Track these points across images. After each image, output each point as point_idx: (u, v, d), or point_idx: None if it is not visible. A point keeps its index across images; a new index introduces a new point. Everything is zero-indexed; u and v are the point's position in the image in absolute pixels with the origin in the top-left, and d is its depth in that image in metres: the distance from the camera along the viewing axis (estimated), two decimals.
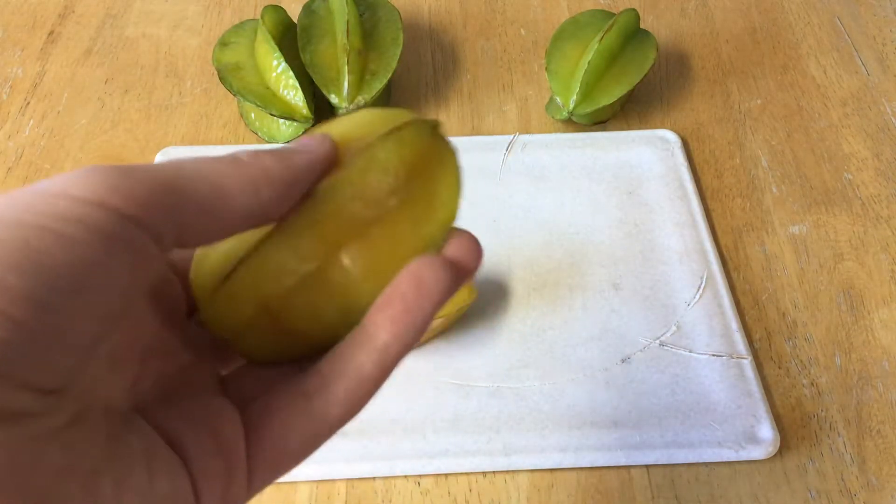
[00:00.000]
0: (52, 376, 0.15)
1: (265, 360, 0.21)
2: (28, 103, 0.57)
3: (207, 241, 0.18)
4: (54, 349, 0.14)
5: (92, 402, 0.16)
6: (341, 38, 0.52)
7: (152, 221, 0.16)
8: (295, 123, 0.52)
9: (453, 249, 0.20)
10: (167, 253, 0.17)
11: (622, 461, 0.40)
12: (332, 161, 0.20)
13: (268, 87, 0.52)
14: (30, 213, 0.15)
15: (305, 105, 0.51)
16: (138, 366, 0.19)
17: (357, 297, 0.20)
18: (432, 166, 0.20)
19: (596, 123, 0.55)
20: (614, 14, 0.55)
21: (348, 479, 0.40)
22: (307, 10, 0.56)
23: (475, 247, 0.20)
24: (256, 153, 0.19)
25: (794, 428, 0.42)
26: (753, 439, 0.40)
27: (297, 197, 0.19)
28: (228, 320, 0.20)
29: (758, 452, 0.40)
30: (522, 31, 0.62)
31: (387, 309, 0.19)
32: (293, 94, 0.51)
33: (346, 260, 0.19)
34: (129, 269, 0.16)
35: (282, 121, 0.52)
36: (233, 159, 0.18)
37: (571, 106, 0.52)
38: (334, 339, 0.20)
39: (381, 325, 0.19)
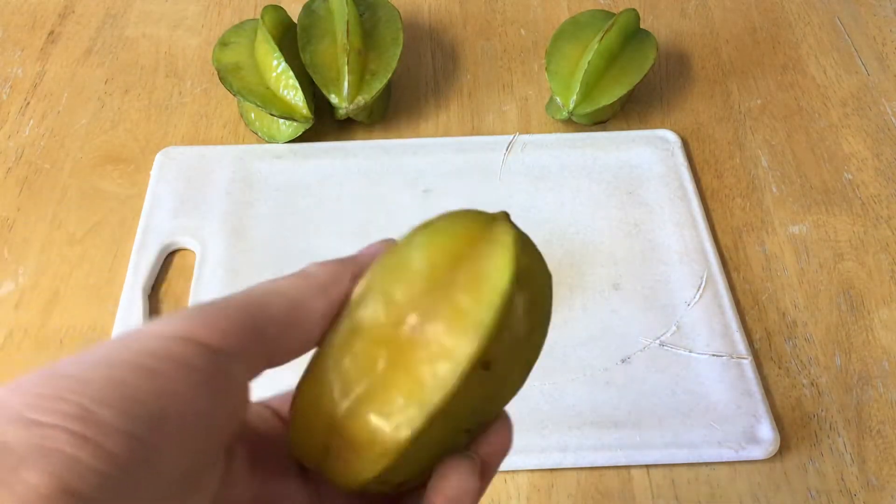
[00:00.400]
0: None
1: (351, 486, 0.20)
2: (28, 103, 0.57)
3: (297, 353, 0.19)
4: (146, 480, 0.15)
5: None
6: (341, 38, 0.52)
7: (239, 346, 0.17)
8: (295, 123, 0.52)
9: (486, 446, 0.21)
10: (258, 373, 0.18)
11: (622, 461, 0.40)
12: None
13: (268, 87, 0.52)
14: (126, 352, 0.16)
15: (305, 105, 0.51)
16: (217, 487, 0.19)
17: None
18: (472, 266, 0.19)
19: (596, 123, 0.55)
20: (614, 14, 0.55)
21: None
22: (307, 10, 0.56)
23: (507, 441, 0.21)
24: (325, 262, 0.21)
25: (794, 428, 0.42)
26: (753, 439, 0.40)
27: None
28: (306, 446, 0.20)
29: (758, 452, 0.40)
30: (522, 31, 0.62)
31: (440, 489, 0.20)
32: (293, 94, 0.51)
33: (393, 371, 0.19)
34: (212, 396, 0.17)
35: (282, 121, 0.52)
36: (301, 273, 0.20)
37: (571, 106, 0.52)
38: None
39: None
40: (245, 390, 0.18)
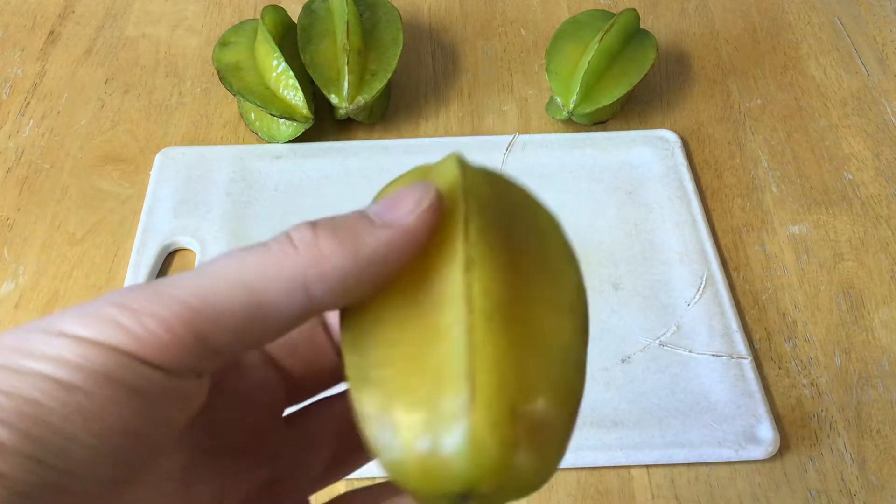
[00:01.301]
0: None
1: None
2: (28, 103, 0.57)
3: (255, 348, 0.16)
4: (56, 501, 0.13)
5: None
6: (341, 38, 0.52)
7: (180, 362, 0.14)
8: (295, 123, 0.52)
9: None
10: (208, 378, 0.15)
11: (622, 461, 0.40)
12: (429, 234, 0.16)
13: (268, 87, 0.52)
14: (31, 359, 0.13)
15: (305, 105, 0.51)
16: (223, 477, 0.17)
17: None
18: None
19: (596, 123, 0.55)
20: (614, 14, 0.55)
21: (347, 480, 0.40)
22: (307, 10, 0.56)
23: None
24: (316, 231, 0.15)
25: (794, 428, 0.42)
26: (753, 439, 0.40)
27: (369, 290, 0.15)
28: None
29: (758, 452, 0.40)
30: (522, 31, 0.62)
31: None
32: (293, 94, 0.51)
33: None
34: (146, 413, 0.14)
35: (282, 121, 0.52)
36: (280, 247, 0.15)
37: (571, 106, 0.52)
38: None
39: None
40: (194, 398, 0.15)
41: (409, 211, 0.15)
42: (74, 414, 0.13)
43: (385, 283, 0.15)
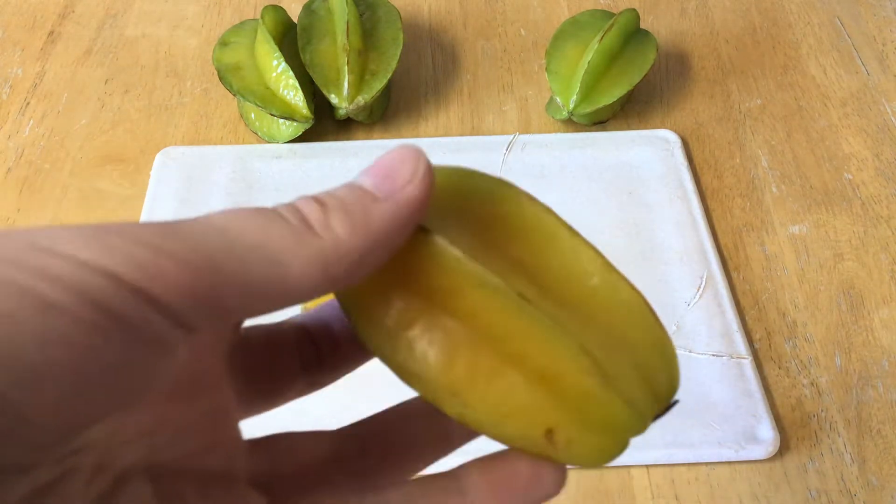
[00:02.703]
0: (10, 462, 0.11)
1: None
2: (28, 103, 0.57)
3: (259, 315, 0.15)
4: (10, 443, 0.11)
5: (81, 465, 0.14)
6: (341, 38, 0.52)
7: (182, 310, 0.13)
8: (295, 123, 0.52)
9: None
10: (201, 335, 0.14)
11: (622, 461, 0.40)
12: (427, 203, 0.15)
13: (268, 87, 0.52)
14: (13, 269, 0.11)
15: (305, 105, 0.51)
16: (161, 406, 0.16)
17: None
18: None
19: (596, 123, 0.55)
20: (614, 14, 0.55)
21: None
22: (307, 10, 0.56)
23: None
24: (326, 212, 0.15)
25: (794, 428, 0.42)
26: (753, 439, 0.40)
27: (378, 264, 0.15)
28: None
29: (758, 452, 0.40)
30: (522, 31, 0.62)
31: (494, 483, 0.17)
32: (293, 94, 0.51)
33: None
34: (129, 360, 0.12)
35: (282, 121, 0.52)
36: (299, 228, 0.14)
37: (571, 106, 0.52)
38: None
39: (479, 488, 0.17)
40: (179, 356, 0.14)
41: (408, 181, 0.15)
42: (54, 341, 0.11)
43: (393, 253, 0.16)
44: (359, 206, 0.15)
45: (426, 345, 0.16)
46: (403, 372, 0.17)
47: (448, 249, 0.16)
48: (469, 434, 0.20)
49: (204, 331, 0.14)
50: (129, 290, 0.12)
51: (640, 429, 0.18)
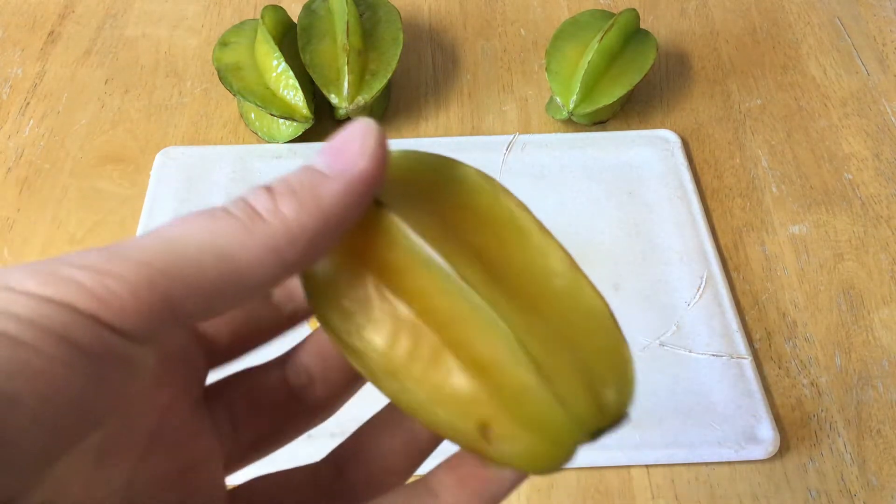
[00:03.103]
0: None
1: None
2: (28, 103, 0.57)
3: (222, 313, 0.15)
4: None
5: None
6: (341, 38, 0.52)
7: (138, 323, 0.13)
8: (295, 123, 0.52)
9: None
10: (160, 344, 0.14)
11: (622, 461, 0.40)
12: (381, 177, 0.15)
13: (268, 87, 0.52)
14: None
15: (305, 105, 0.51)
16: (136, 460, 0.16)
17: None
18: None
19: (596, 123, 0.55)
20: (614, 14, 0.55)
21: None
22: (307, 10, 0.56)
23: None
24: (274, 196, 0.15)
25: (794, 428, 0.42)
26: (753, 439, 0.40)
27: (334, 243, 0.15)
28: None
29: (758, 452, 0.40)
30: (522, 31, 0.62)
31: (462, 478, 0.17)
32: (293, 94, 0.51)
33: None
34: (98, 382, 0.13)
35: (282, 121, 0.52)
36: (246, 219, 0.14)
37: (571, 106, 0.52)
38: None
39: (449, 486, 0.17)
40: (145, 369, 0.14)
41: (358, 154, 0.15)
42: (20, 373, 0.11)
43: (348, 230, 0.15)
44: (307, 187, 0.15)
45: (370, 322, 0.16)
46: (348, 350, 0.17)
47: (397, 224, 0.16)
48: (436, 439, 0.19)
49: (161, 341, 0.14)
50: (86, 317, 0.12)
51: (576, 436, 0.17)
